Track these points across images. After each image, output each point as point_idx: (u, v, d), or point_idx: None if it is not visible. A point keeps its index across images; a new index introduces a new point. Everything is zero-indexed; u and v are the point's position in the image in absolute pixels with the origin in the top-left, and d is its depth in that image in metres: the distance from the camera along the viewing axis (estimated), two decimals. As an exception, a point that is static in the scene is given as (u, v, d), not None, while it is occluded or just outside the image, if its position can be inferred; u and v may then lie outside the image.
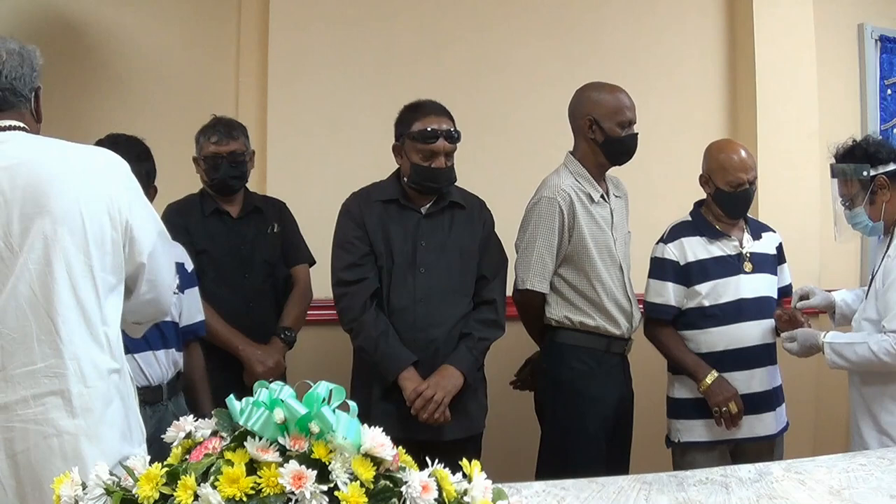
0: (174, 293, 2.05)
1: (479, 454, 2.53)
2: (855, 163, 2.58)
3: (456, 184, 2.62)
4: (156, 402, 2.41)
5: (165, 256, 1.79)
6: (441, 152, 2.50)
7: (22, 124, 1.67)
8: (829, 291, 2.83)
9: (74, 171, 1.63)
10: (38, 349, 1.55)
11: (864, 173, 2.55)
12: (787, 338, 2.66)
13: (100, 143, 2.31)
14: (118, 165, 1.73)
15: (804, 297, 2.78)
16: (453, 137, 2.51)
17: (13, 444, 1.54)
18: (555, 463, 2.54)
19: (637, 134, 2.66)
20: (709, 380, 2.65)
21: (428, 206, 2.60)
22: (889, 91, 3.99)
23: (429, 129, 2.48)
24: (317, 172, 3.18)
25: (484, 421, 2.64)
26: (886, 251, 2.55)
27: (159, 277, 1.77)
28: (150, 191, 2.42)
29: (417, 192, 2.56)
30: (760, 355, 2.73)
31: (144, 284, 1.74)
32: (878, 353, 2.41)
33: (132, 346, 2.17)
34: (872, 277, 2.58)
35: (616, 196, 2.75)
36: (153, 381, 2.41)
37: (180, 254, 2.43)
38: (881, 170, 2.54)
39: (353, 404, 1.17)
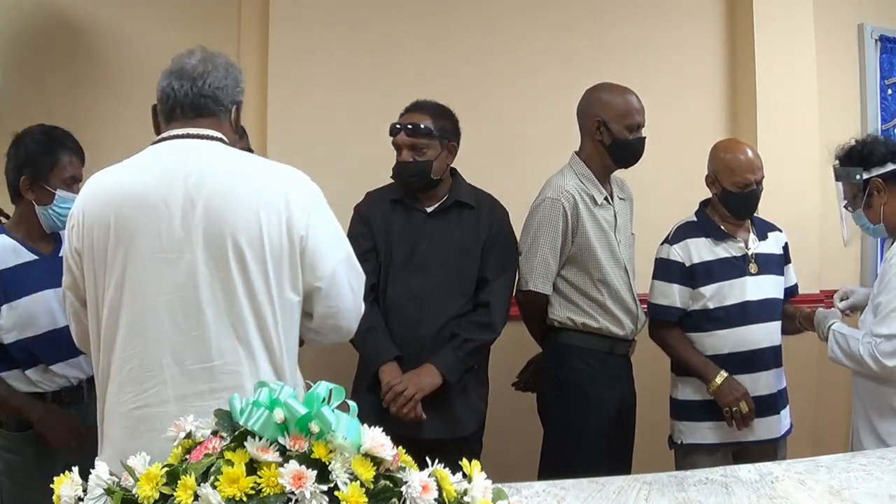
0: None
1: (472, 457, 2.52)
2: (850, 165, 2.55)
3: (470, 183, 2.67)
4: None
5: (350, 282, 1.79)
6: (401, 146, 2.55)
7: (219, 134, 1.78)
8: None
9: (258, 187, 1.70)
10: (215, 347, 1.63)
11: (857, 177, 2.52)
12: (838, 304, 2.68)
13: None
14: (303, 186, 1.78)
15: (845, 297, 2.71)
16: (413, 131, 2.53)
17: None
18: (557, 464, 2.53)
19: (645, 138, 2.65)
20: (718, 380, 2.63)
21: (435, 206, 2.61)
22: (889, 91, 3.98)
23: (393, 123, 2.56)
24: (317, 173, 3.14)
25: (476, 424, 2.62)
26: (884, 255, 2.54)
27: (341, 303, 1.78)
28: None
29: (404, 187, 2.59)
30: (766, 358, 2.71)
31: (323, 308, 1.76)
32: (863, 354, 2.40)
33: None
34: None
35: (620, 198, 2.74)
36: (73, 382, 2.36)
37: None
38: (874, 172, 2.50)
39: (353, 404, 1.18)
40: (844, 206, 2.62)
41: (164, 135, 1.76)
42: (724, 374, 2.64)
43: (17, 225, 2.33)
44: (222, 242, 1.63)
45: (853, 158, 2.55)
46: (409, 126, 2.53)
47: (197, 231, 1.63)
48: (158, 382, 1.62)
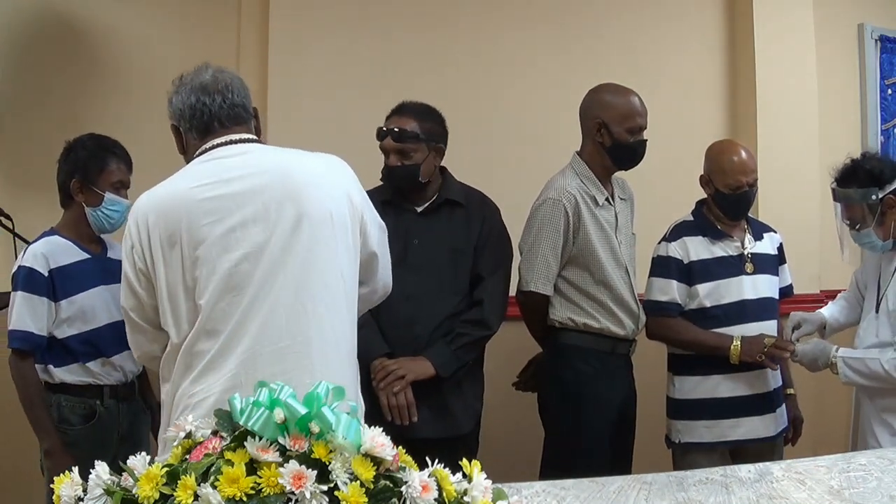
0: None
1: (469, 456, 2.51)
2: (859, 185, 2.55)
3: (462, 181, 2.65)
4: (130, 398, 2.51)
5: (386, 250, 2.01)
6: (388, 150, 2.54)
7: (255, 137, 1.89)
8: (818, 310, 2.87)
9: (318, 173, 1.84)
10: (286, 329, 1.71)
11: (873, 197, 2.52)
12: (799, 341, 2.68)
13: None
14: (347, 167, 1.92)
15: (797, 326, 2.76)
16: (399, 136, 2.50)
17: None
18: (559, 465, 2.52)
19: (646, 140, 2.64)
20: (736, 343, 2.63)
21: (425, 205, 2.60)
22: (889, 91, 3.99)
23: (380, 127, 2.55)
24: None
25: (472, 423, 2.61)
26: None
27: (385, 271, 2.01)
28: None
29: (393, 190, 2.59)
30: (762, 356, 2.71)
31: (378, 272, 1.98)
32: (889, 370, 2.42)
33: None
34: (880, 295, 2.56)
35: (621, 198, 2.73)
36: (127, 378, 2.49)
37: None
38: (888, 189, 2.51)
39: (353, 405, 1.18)
40: (851, 227, 2.61)
41: (208, 146, 1.82)
42: (737, 337, 2.64)
43: (67, 227, 2.48)
44: (297, 228, 1.73)
45: (861, 179, 2.55)
46: (396, 130, 2.51)
47: (272, 226, 1.72)
48: (231, 368, 1.68)
